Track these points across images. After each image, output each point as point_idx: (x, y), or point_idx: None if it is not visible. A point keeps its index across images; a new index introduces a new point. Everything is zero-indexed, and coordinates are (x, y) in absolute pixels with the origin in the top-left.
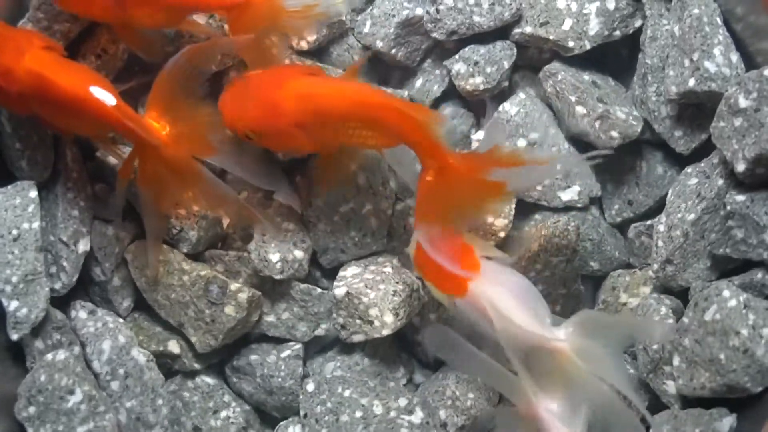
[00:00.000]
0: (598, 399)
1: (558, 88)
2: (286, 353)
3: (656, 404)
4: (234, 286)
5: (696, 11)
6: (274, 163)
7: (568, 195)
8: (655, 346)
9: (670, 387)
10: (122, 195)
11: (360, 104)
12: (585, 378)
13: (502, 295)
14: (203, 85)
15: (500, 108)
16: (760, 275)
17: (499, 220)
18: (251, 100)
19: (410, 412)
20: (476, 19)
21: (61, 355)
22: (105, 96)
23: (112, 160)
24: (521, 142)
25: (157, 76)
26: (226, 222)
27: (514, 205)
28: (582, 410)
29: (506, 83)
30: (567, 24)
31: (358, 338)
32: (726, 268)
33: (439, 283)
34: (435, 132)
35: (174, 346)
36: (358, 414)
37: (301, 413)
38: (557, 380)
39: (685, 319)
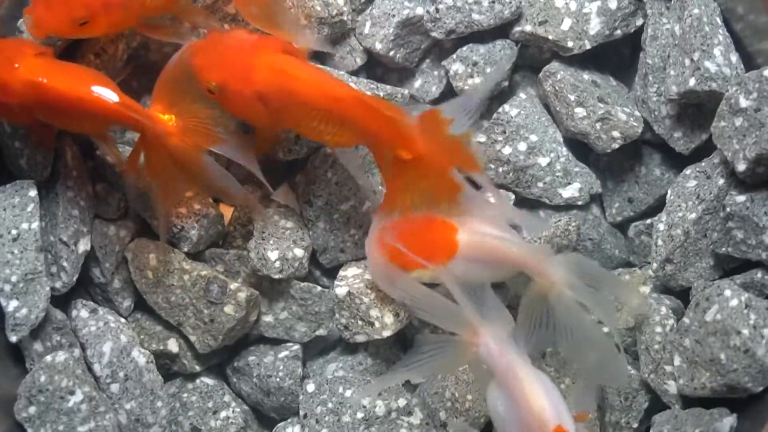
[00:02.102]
0: (586, 333)
1: (557, 88)
2: (284, 354)
3: (657, 404)
4: (233, 285)
5: (696, 11)
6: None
7: (568, 192)
8: (656, 346)
9: (671, 387)
10: (134, 188)
11: (331, 97)
12: (575, 311)
13: (494, 230)
14: None
15: (500, 109)
16: (760, 275)
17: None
18: (225, 56)
19: (409, 413)
20: (475, 17)
21: (61, 356)
22: (107, 93)
23: (112, 158)
24: (521, 145)
25: (161, 71)
26: (227, 219)
27: (512, 204)
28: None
29: (506, 83)
30: (566, 24)
31: (360, 339)
32: (728, 267)
33: (424, 257)
34: (407, 124)
35: (173, 345)
36: (360, 415)
37: (301, 413)
38: (537, 308)
39: (686, 320)
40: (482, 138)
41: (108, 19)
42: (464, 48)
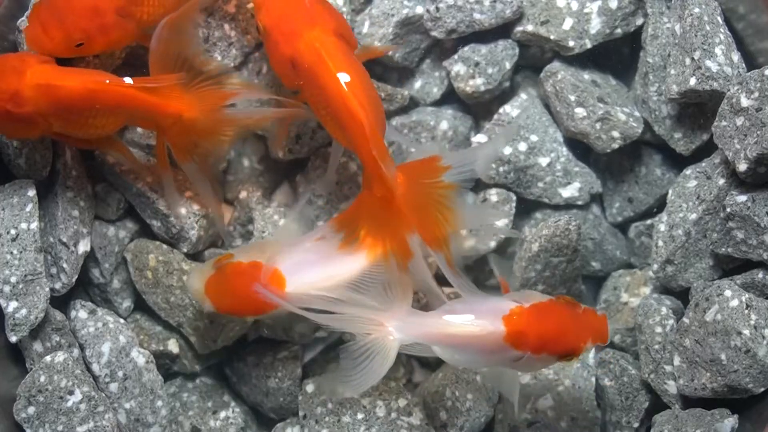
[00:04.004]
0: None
1: (557, 88)
2: (283, 354)
3: (657, 404)
4: None
5: (696, 10)
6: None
7: (568, 192)
8: (656, 346)
9: (671, 387)
10: (171, 184)
11: (345, 108)
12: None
13: (322, 280)
14: (196, 41)
15: (501, 110)
16: (761, 275)
17: (500, 220)
18: (287, 8)
19: (409, 414)
20: (477, 16)
21: (60, 357)
22: (120, 80)
23: (111, 158)
24: (521, 146)
25: (150, 57)
26: (227, 219)
27: (514, 204)
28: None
29: (507, 84)
30: (567, 23)
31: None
32: (728, 267)
33: (250, 308)
34: (387, 171)
35: (173, 346)
36: (360, 415)
37: (300, 414)
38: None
39: (686, 320)
40: (483, 138)
41: (104, 40)
42: (465, 48)
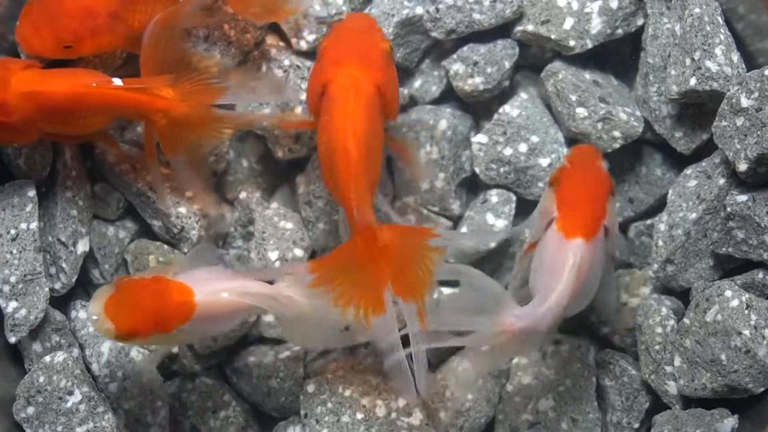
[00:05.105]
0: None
1: (559, 88)
2: (284, 354)
3: (658, 404)
4: None
5: (697, 10)
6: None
7: None
8: (657, 347)
9: (672, 387)
10: (160, 179)
11: (343, 148)
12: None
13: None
14: (189, 39)
15: (500, 110)
16: (761, 275)
17: (500, 221)
18: (341, 45)
19: (409, 414)
20: (476, 16)
21: (60, 357)
22: (108, 80)
23: (111, 158)
24: (522, 147)
25: (141, 53)
26: (228, 219)
27: (513, 205)
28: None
29: (507, 83)
30: (568, 23)
31: (362, 339)
32: (728, 267)
33: (155, 322)
34: (362, 222)
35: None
36: (360, 415)
37: (302, 413)
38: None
39: (686, 320)
40: (483, 139)
41: (94, 43)
42: (465, 48)
